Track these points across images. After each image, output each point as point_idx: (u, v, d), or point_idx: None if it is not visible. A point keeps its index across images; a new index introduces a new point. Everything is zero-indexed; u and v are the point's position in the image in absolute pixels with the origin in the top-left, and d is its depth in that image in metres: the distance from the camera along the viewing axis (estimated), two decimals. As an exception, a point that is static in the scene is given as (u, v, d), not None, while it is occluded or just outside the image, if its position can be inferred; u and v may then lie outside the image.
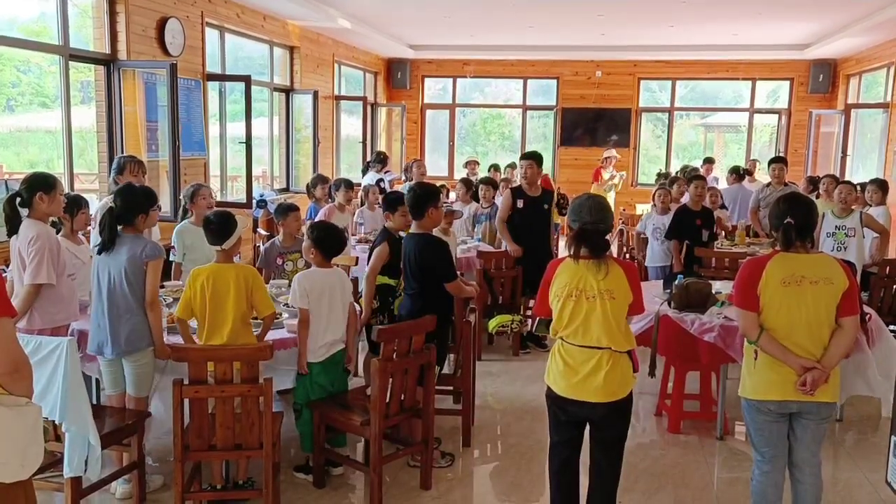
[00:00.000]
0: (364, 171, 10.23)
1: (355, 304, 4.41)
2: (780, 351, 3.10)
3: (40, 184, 3.87)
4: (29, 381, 2.23)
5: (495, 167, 10.68)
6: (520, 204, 6.48)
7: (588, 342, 3.14)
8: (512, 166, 10.30)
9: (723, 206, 8.50)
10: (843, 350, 3.13)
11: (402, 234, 4.54)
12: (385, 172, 9.92)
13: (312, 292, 3.92)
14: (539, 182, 6.54)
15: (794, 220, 3.12)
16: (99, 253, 3.71)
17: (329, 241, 4.07)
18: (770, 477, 3.26)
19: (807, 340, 3.09)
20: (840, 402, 4.65)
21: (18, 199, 3.81)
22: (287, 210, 5.32)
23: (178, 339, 3.90)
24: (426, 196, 4.24)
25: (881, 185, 6.87)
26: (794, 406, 3.16)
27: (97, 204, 5.49)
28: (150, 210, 3.90)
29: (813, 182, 8.97)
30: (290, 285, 4.84)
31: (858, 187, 6.94)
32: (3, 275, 2.42)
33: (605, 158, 11.24)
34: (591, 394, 3.14)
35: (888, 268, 6.04)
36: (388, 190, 8.98)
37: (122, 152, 6.75)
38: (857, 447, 4.74)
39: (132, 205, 3.75)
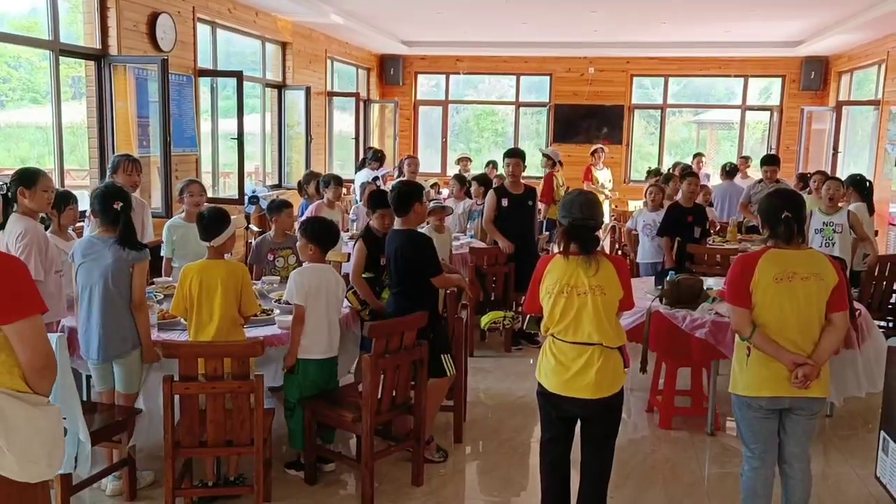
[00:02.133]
0: (360, 168, 10.18)
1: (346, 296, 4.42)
2: (773, 347, 3.10)
3: (21, 179, 3.85)
4: (53, 380, 2.28)
5: (493, 164, 10.68)
6: (504, 203, 6.49)
7: (579, 338, 3.14)
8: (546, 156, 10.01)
9: (709, 204, 8.51)
10: (833, 345, 3.14)
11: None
12: (379, 169, 9.88)
13: (310, 289, 3.91)
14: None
15: (790, 213, 3.13)
16: (128, 248, 3.68)
17: (324, 234, 4.08)
18: (760, 473, 3.27)
19: (798, 336, 3.10)
20: (838, 403, 4.69)
21: (4, 195, 3.79)
22: (280, 207, 5.32)
23: (169, 336, 3.90)
24: (410, 193, 4.25)
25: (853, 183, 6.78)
26: (785, 402, 3.17)
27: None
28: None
29: (804, 179, 9.00)
30: (281, 282, 4.86)
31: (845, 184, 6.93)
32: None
33: (594, 151, 11.00)
34: (582, 390, 3.14)
35: (878, 265, 6.06)
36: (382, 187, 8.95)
37: (114, 148, 6.72)
38: (846, 442, 4.76)
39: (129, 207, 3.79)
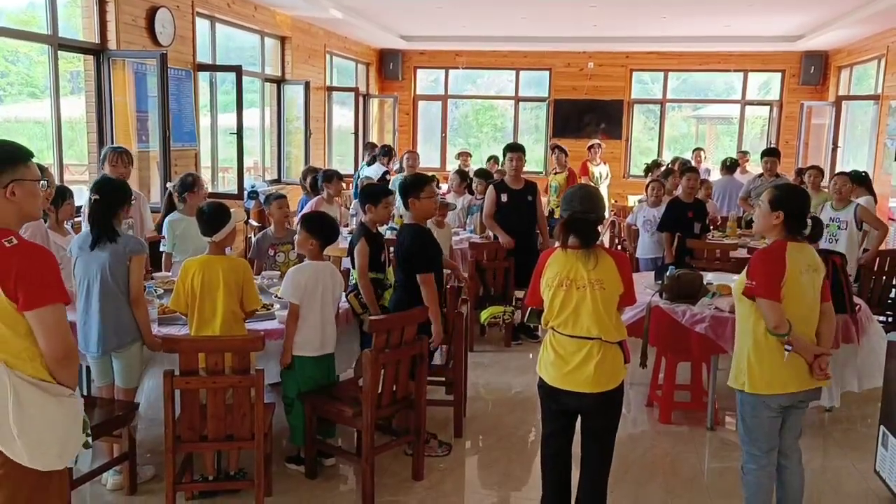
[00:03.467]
0: (370, 164, 10.19)
1: (345, 300, 4.40)
2: (803, 342, 3.11)
3: None
4: (75, 370, 2.35)
5: (494, 159, 10.67)
6: (504, 198, 6.48)
7: (578, 332, 3.15)
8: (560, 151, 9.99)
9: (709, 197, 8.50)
10: (832, 333, 3.22)
11: (379, 227, 4.56)
12: (389, 165, 9.86)
13: (307, 286, 3.90)
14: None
15: (808, 210, 3.18)
16: (93, 248, 3.66)
17: (325, 229, 4.07)
18: (767, 470, 3.28)
19: (808, 328, 3.15)
20: (836, 402, 4.70)
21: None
22: (273, 198, 5.34)
23: (169, 330, 3.90)
24: (407, 188, 4.28)
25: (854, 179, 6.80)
26: (801, 395, 3.19)
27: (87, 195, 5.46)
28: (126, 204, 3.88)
29: (801, 174, 8.99)
30: (281, 277, 4.84)
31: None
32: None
33: (591, 147, 10.97)
34: (581, 384, 3.15)
35: (877, 259, 6.06)
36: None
37: (113, 143, 6.70)
38: (846, 437, 4.76)
39: (114, 200, 3.74)
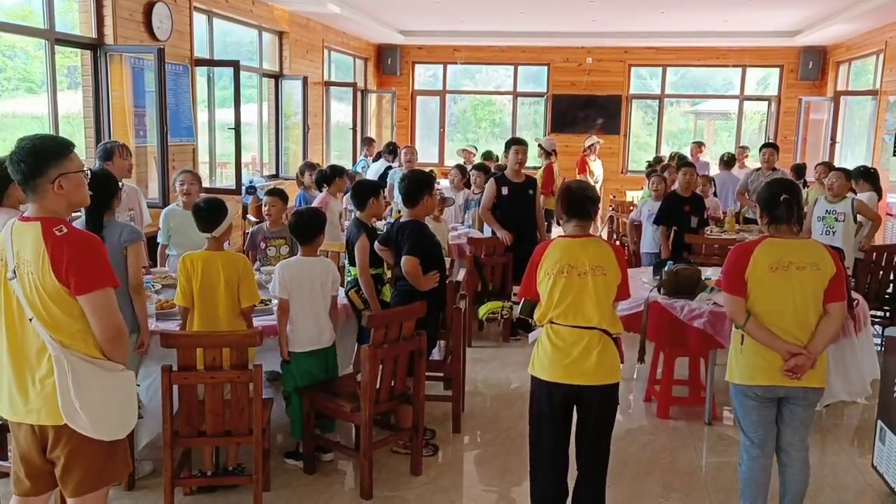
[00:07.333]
0: (375, 160, 10.19)
1: (345, 296, 4.39)
2: (767, 336, 3.12)
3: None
4: (126, 349, 2.53)
5: (487, 154, 10.64)
6: (504, 191, 6.47)
7: (579, 322, 3.14)
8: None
9: (714, 195, 8.50)
10: (829, 336, 3.15)
11: (374, 223, 4.54)
12: (394, 161, 9.85)
13: (292, 282, 3.89)
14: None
15: (789, 195, 3.15)
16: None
17: (299, 227, 4.04)
18: (759, 462, 3.28)
19: (794, 326, 3.11)
20: (819, 406, 4.67)
21: None
22: (267, 193, 5.34)
23: (166, 326, 3.89)
24: (420, 184, 4.22)
25: (859, 175, 6.82)
26: (780, 391, 3.18)
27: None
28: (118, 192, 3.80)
29: (798, 170, 9.00)
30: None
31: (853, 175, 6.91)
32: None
33: (590, 146, 10.93)
34: (582, 376, 3.14)
35: (874, 254, 6.07)
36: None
37: (110, 138, 6.68)
38: (844, 431, 4.78)
39: (108, 191, 3.66)
